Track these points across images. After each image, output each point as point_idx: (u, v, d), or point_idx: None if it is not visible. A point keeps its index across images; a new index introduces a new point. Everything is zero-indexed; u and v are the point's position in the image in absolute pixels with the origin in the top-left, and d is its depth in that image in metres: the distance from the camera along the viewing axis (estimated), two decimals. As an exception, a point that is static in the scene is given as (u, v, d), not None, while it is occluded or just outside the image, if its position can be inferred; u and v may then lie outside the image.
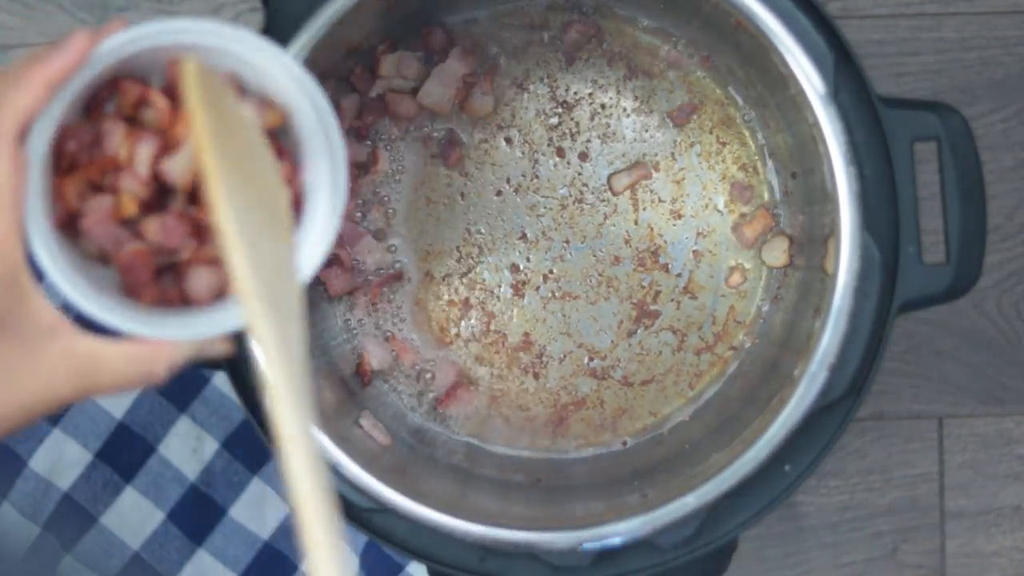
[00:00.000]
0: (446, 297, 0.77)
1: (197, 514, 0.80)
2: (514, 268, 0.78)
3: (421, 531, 0.66)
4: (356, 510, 0.67)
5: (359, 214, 0.77)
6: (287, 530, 0.80)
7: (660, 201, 0.77)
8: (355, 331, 0.77)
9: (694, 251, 0.77)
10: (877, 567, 0.83)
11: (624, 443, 0.77)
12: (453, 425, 0.77)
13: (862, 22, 0.82)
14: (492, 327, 0.77)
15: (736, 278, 0.77)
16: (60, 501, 0.79)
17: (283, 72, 0.54)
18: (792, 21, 0.65)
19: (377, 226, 0.77)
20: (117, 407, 0.80)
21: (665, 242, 0.77)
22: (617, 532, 0.65)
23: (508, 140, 0.78)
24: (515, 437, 0.77)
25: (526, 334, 0.77)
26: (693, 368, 0.77)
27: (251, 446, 0.80)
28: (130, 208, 0.53)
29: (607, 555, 0.66)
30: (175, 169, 0.53)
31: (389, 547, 0.67)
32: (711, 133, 0.77)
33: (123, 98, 0.54)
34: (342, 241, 0.76)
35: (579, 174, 0.78)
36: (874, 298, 0.66)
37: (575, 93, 0.77)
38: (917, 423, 0.83)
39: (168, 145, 0.53)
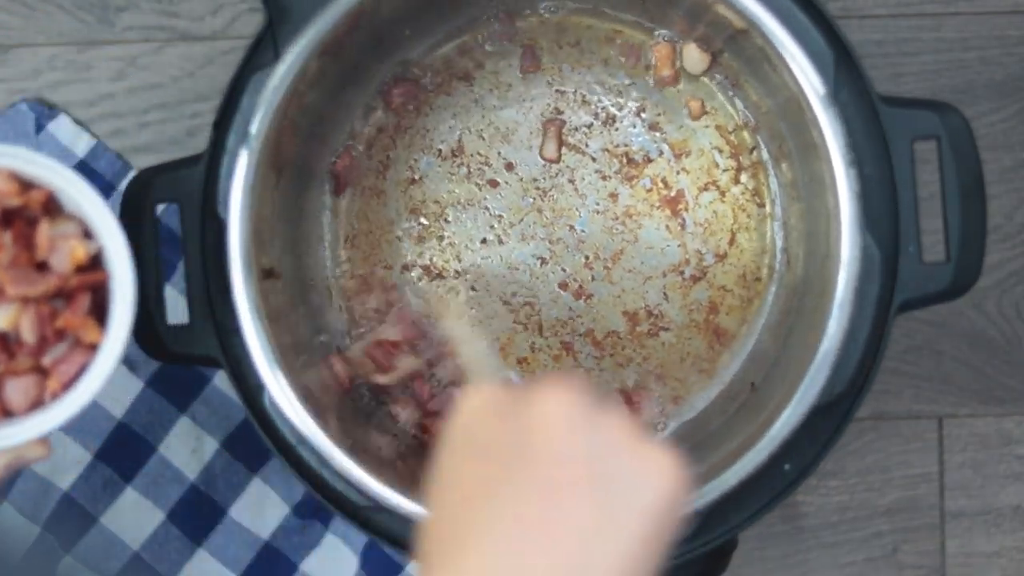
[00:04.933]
0: (550, 355, 0.78)
1: (197, 514, 0.80)
2: (563, 286, 0.78)
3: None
4: (356, 510, 0.67)
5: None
6: (287, 530, 0.80)
7: (588, 127, 0.78)
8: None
9: (650, 126, 0.78)
10: (877, 567, 0.83)
11: (759, 291, 0.77)
12: (659, 427, 0.77)
13: (862, 22, 0.82)
14: (598, 337, 0.78)
15: (696, 108, 0.77)
16: (60, 501, 0.79)
17: (87, 202, 0.61)
18: (791, 20, 0.65)
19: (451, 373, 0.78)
20: (117, 407, 0.80)
21: (627, 147, 0.78)
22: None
23: (454, 220, 0.78)
24: (704, 386, 0.77)
25: (624, 313, 0.77)
26: (747, 194, 0.77)
27: (251, 446, 0.80)
28: None
29: (607, 554, 0.66)
30: None
31: (389, 546, 0.67)
32: (560, 48, 0.78)
33: None
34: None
35: (521, 180, 0.78)
36: (874, 297, 0.66)
37: (450, 138, 0.78)
38: (917, 423, 0.83)
39: None
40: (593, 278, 0.78)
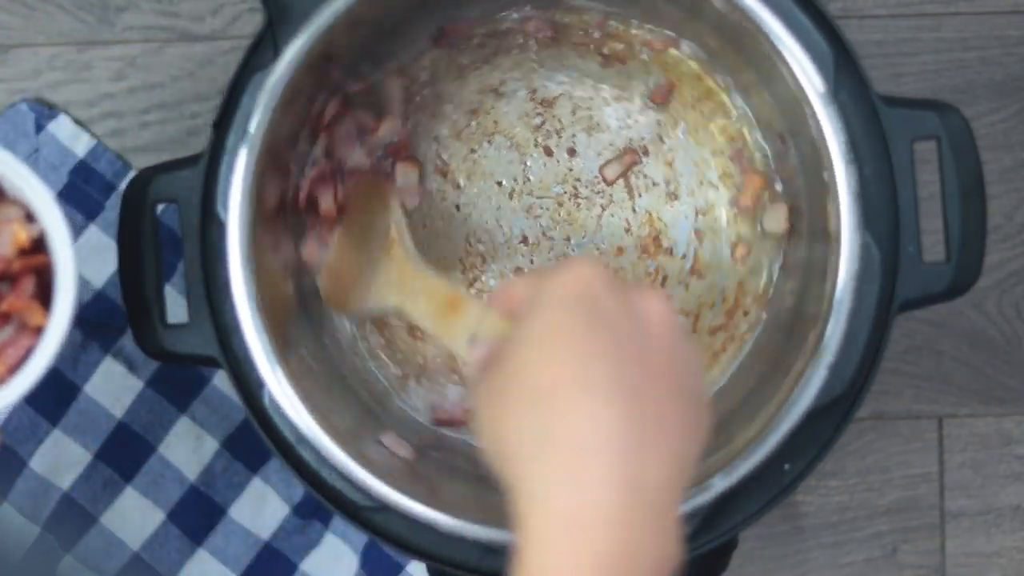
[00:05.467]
0: None
1: (197, 514, 0.80)
2: (519, 272, 0.78)
3: (421, 530, 0.66)
4: (356, 509, 0.67)
5: None
6: (287, 530, 0.80)
7: (654, 184, 0.77)
8: (368, 353, 0.77)
9: (696, 230, 0.77)
10: (877, 567, 0.83)
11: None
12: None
13: (862, 22, 0.82)
14: None
15: (741, 251, 0.76)
16: (60, 501, 0.79)
17: (28, 186, 0.61)
18: (792, 20, 0.65)
19: None
20: (117, 407, 0.80)
21: (665, 225, 0.77)
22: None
23: (495, 147, 0.77)
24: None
25: None
26: (709, 348, 0.76)
27: (251, 446, 0.80)
28: None
29: (607, 554, 0.66)
30: None
31: (389, 546, 0.67)
32: (694, 109, 0.77)
33: None
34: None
35: (570, 170, 0.78)
36: (874, 297, 0.66)
37: (553, 90, 0.77)
38: (917, 423, 0.83)
39: None
40: None
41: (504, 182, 0.78)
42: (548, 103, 0.77)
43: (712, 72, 0.75)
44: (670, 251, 0.77)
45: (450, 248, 0.78)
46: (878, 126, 0.66)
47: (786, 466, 0.67)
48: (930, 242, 0.67)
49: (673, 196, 0.77)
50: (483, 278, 0.78)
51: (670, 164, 0.77)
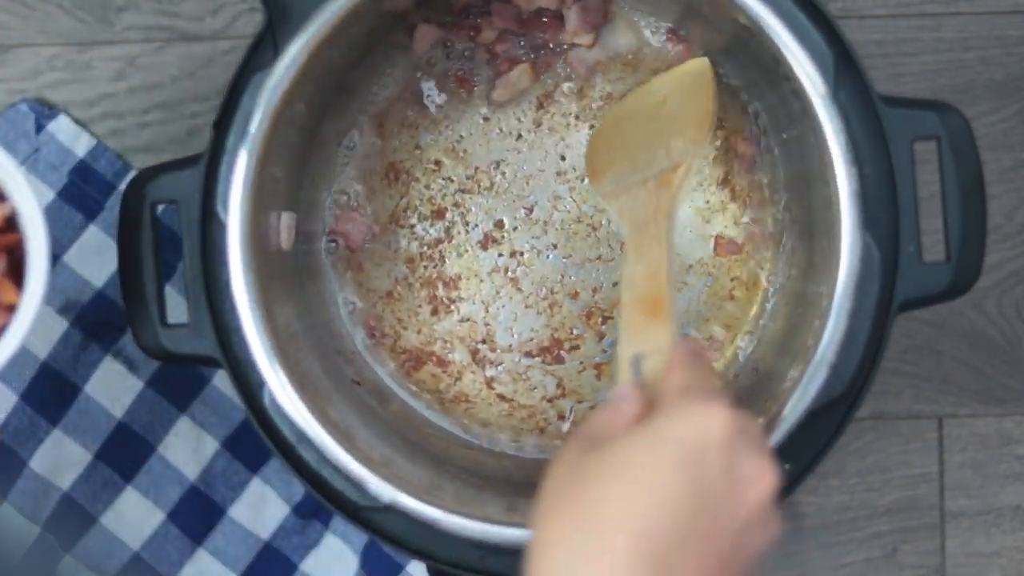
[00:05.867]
0: (432, 191, 0.78)
1: (197, 514, 0.80)
2: (498, 224, 0.78)
3: (421, 529, 0.66)
4: (356, 510, 0.67)
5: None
6: (287, 530, 0.80)
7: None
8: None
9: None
10: (877, 567, 0.83)
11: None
12: (340, 275, 0.77)
13: (862, 22, 0.82)
14: (440, 248, 0.78)
15: None
16: (60, 501, 0.79)
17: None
18: (792, 20, 0.65)
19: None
20: (117, 407, 0.80)
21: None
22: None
23: (591, 128, 0.78)
24: (377, 342, 0.78)
25: (458, 276, 0.78)
26: (536, 421, 0.77)
27: (251, 446, 0.80)
28: None
29: (607, 554, 0.66)
30: None
31: (389, 545, 0.67)
32: (731, 281, 0.77)
33: None
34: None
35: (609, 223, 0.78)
36: (874, 297, 0.66)
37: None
38: (917, 423, 0.83)
39: None
40: (500, 256, 0.78)
41: (567, 160, 0.77)
42: None
43: (768, 291, 0.76)
44: (600, 337, 0.77)
45: (481, 153, 0.78)
46: (878, 126, 0.66)
47: (786, 466, 0.67)
48: (930, 242, 0.67)
49: None
50: (474, 198, 0.78)
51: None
